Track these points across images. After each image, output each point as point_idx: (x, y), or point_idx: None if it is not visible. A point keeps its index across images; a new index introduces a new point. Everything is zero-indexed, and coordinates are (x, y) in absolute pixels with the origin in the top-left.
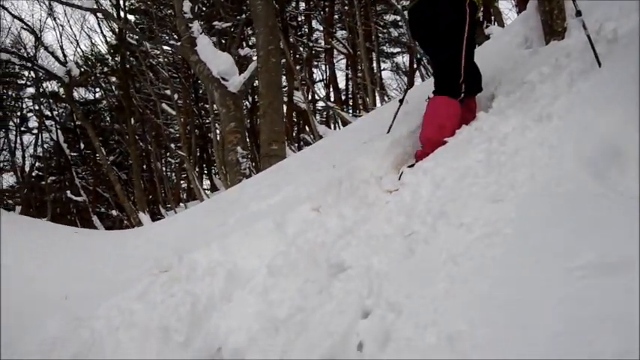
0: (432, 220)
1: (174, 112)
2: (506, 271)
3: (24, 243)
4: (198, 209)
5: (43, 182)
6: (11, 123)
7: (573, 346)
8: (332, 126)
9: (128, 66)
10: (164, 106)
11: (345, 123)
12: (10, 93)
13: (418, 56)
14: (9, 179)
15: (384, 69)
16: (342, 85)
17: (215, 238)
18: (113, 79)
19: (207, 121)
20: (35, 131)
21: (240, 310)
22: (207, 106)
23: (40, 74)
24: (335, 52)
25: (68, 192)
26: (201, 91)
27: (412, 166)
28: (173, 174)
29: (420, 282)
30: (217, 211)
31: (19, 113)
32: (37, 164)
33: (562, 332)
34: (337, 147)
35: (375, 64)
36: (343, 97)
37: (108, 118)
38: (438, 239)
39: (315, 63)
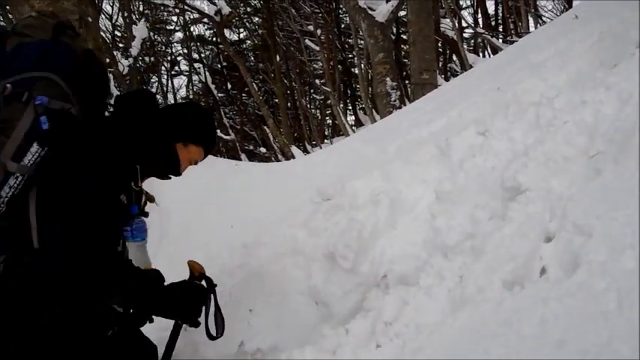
0: (621, 138)
1: (317, 48)
2: None
3: (191, 174)
4: (354, 139)
5: None
6: (162, 67)
7: None
8: (480, 54)
9: (271, 4)
10: (307, 42)
11: (495, 50)
12: (160, 39)
13: None
14: None
15: None
16: (490, 10)
17: (376, 165)
18: (256, 19)
19: (351, 55)
20: (186, 74)
21: (406, 237)
22: (351, 40)
23: (188, 18)
24: None
25: (217, 131)
26: (343, 25)
27: None
28: (317, 110)
29: (610, 203)
30: (375, 139)
31: (169, 58)
32: None
33: None
34: (500, 69)
35: None
36: (493, 23)
37: (252, 58)
38: (630, 158)
39: None
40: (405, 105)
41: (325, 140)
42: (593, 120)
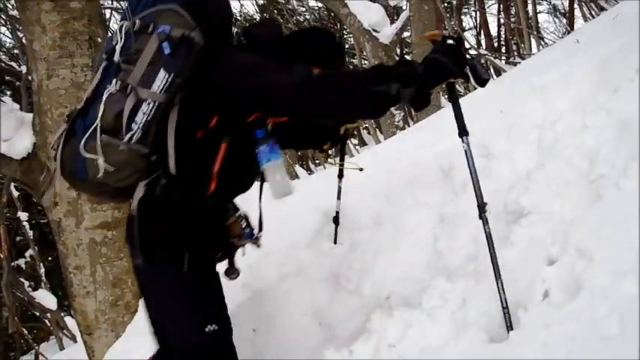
0: (622, 163)
1: None
2: None
3: None
4: (358, 160)
5: None
6: None
7: None
8: None
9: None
10: None
11: (498, 71)
12: None
13: None
14: None
15: (539, 11)
16: (493, 31)
17: (380, 187)
18: None
19: None
20: None
21: (409, 259)
22: (355, 60)
23: None
24: None
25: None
26: (347, 46)
27: None
28: None
29: (612, 228)
30: (379, 160)
31: None
32: None
33: None
34: (503, 92)
35: (530, 7)
36: (495, 44)
37: None
38: (631, 183)
39: (465, 10)
40: (408, 126)
41: (329, 159)
42: (594, 144)
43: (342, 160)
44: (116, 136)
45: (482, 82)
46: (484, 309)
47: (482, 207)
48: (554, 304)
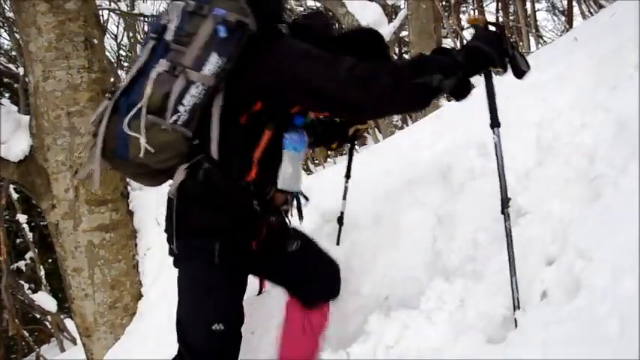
0: (621, 162)
1: None
2: None
3: None
4: (356, 159)
5: None
6: None
7: None
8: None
9: None
10: None
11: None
12: None
13: None
14: None
15: (538, 9)
16: None
17: (378, 187)
18: None
19: None
20: None
21: (407, 260)
22: None
23: None
24: None
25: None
26: None
27: None
28: None
29: (611, 227)
30: (378, 160)
31: None
32: None
33: None
34: (501, 90)
35: (528, 5)
36: None
37: None
38: (630, 182)
39: (463, 8)
40: (407, 125)
41: (328, 159)
42: (593, 142)
43: (350, 160)
44: (161, 117)
45: (520, 74)
46: (483, 310)
47: (505, 201)
48: (553, 304)
